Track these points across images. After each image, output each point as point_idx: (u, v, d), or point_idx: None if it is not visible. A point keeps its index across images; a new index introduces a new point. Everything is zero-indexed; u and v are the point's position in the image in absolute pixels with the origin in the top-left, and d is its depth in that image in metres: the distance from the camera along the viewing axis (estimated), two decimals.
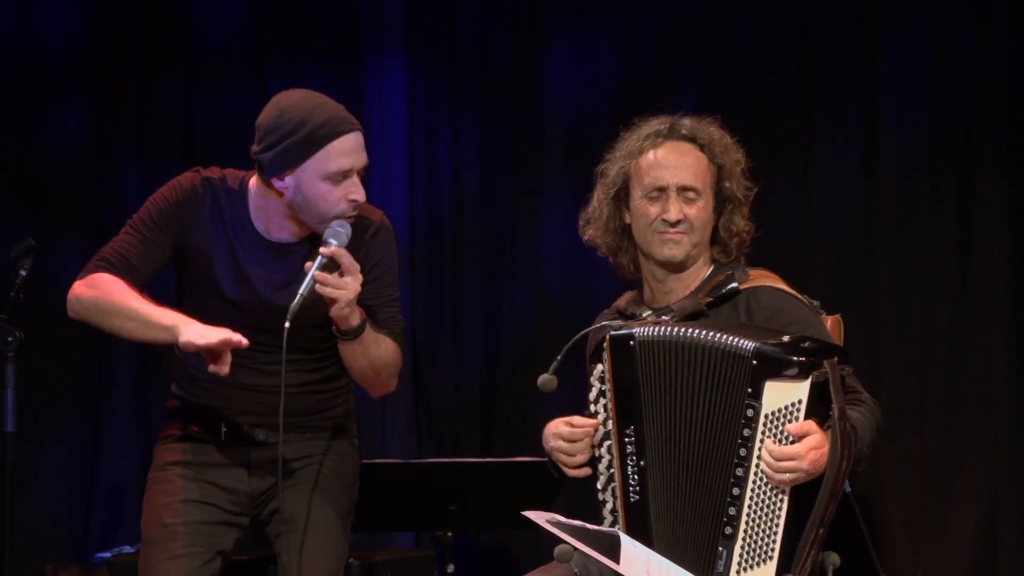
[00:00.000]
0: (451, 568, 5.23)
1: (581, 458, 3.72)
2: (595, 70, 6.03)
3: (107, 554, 5.64)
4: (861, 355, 5.20)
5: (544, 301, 6.05)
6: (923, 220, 5.65)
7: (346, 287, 3.82)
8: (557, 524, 3.46)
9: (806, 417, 3.46)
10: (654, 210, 3.81)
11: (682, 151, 3.84)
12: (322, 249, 3.84)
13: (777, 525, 3.48)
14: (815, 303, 3.83)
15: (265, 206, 3.97)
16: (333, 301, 3.83)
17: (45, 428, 6.08)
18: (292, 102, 3.90)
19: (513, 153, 6.13)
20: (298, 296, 3.81)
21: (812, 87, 5.78)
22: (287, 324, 3.79)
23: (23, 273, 5.09)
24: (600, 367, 3.69)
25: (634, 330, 3.65)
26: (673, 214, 3.79)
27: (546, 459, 3.81)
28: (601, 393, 3.70)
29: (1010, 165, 5.57)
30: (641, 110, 3.99)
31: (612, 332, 3.68)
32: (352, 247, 3.88)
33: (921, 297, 5.64)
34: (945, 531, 5.54)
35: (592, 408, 3.72)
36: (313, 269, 3.82)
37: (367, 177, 4.01)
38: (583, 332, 3.79)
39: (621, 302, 3.95)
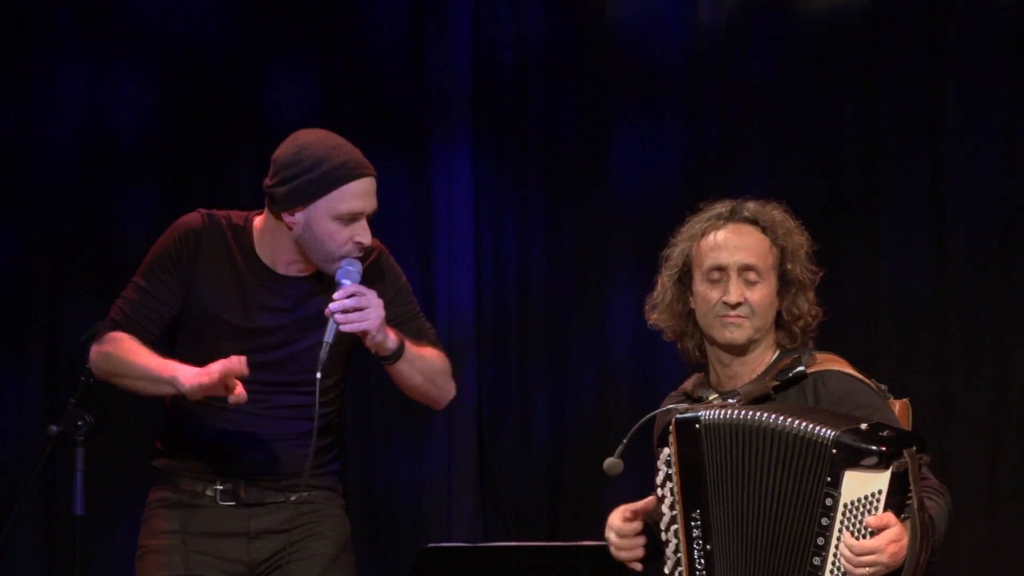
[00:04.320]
0: None
1: (633, 554, 3.72)
2: (661, 154, 6.05)
3: None
4: (930, 440, 5.15)
5: (610, 384, 6.04)
6: (992, 304, 5.61)
7: (369, 317, 3.85)
8: None
9: (885, 507, 3.43)
10: (715, 293, 3.79)
11: (742, 232, 3.82)
12: (336, 294, 3.87)
13: None
14: (883, 387, 3.80)
15: (273, 241, 4.01)
16: (364, 334, 3.86)
17: (115, 512, 6.10)
18: (312, 140, 3.96)
19: (579, 236, 6.15)
20: (325, 344, 3.85)
21: (879, 171, 5.78)
22: (318, 375, 3.84)
23: None
24: (666, 450, 3.68)
25: (700, 413, 3.64)
26: (733, 296, 3.77)
27: None
28: (667, 477, 3.68)
29: None
30: (707, 194, 3.99)
31: (678, 415, 3.67)
32: (363, 279, 3.94)
33: (990, 382, 5.60)
34: None
35: (659, 491, 3.70)
36: (334, 313, 3.85)
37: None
38: (649, 415, 3.78)
39: (688, 384, 3.93)
